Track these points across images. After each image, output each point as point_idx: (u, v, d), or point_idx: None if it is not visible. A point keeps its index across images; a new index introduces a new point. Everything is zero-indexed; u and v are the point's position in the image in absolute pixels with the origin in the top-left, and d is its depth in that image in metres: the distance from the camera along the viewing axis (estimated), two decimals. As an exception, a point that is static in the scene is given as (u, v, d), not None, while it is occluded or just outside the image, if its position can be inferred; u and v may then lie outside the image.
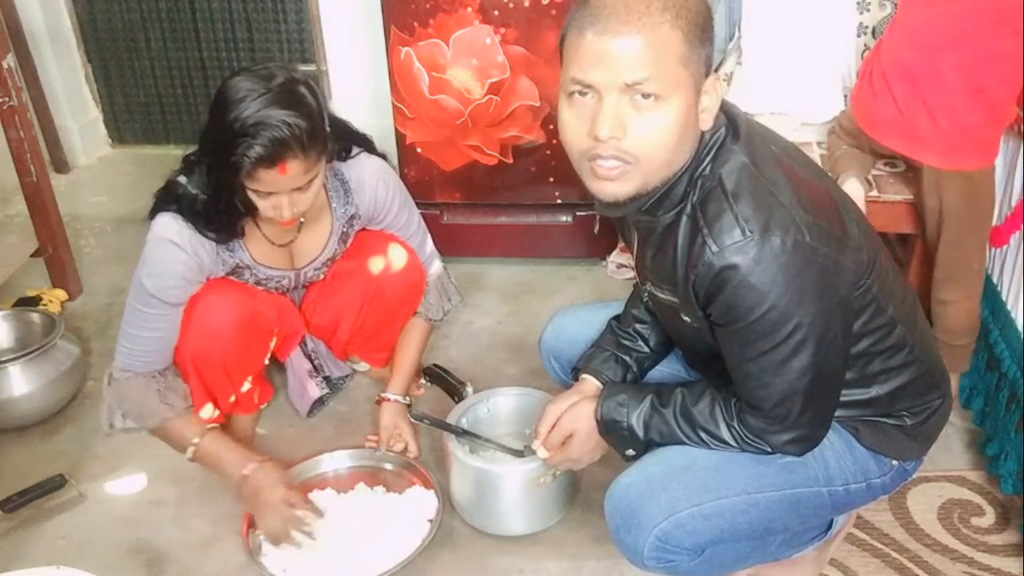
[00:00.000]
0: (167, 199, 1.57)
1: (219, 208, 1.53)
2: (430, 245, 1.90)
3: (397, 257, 1.83)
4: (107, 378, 1.67)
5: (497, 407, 1.77)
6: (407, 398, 1.88)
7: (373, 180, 1.74)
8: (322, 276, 1.84)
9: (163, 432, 1.66)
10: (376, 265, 1.81)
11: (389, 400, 1.85)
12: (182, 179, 1.57)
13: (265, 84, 1.42)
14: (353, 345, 1.99)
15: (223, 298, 1.66)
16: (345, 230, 1.77)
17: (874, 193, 1.89)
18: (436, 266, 1.92)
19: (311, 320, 1.90)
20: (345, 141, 1.68)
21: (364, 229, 1.82)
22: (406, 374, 1.89)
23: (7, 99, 2.18)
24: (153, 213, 1.57)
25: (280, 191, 1.46)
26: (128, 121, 3.47)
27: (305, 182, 1.48)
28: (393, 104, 2.36)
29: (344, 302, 1.85)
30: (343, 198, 1.73)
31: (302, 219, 1.66)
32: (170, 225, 1.55)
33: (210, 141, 1.46)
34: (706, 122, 1.14)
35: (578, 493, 1.69)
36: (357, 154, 1.71)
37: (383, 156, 1.79)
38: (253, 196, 1.47)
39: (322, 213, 1.73)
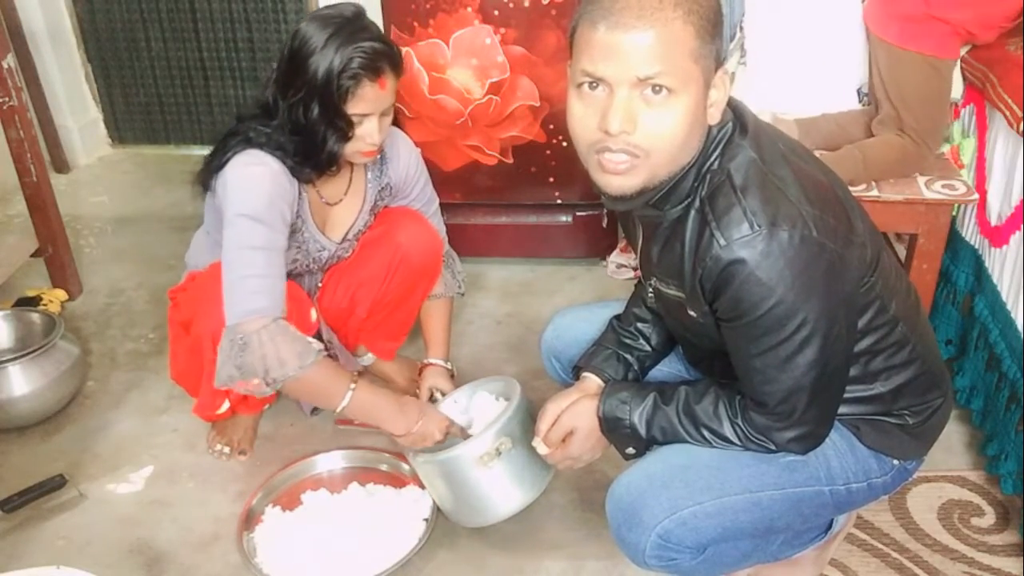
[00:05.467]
0: (240, 138, 1.57)
1: (314, 148, 1.56)
2: (443, 227, 1.97)
3: (420, 227, 1.87)
4: (229, 343, 1.49)
5: (467, 404, 1.76)
6: (448, 363, 1.93)
7: (407, 151, 1.82)
8: (349, 253, 1.86)
9: (315, 376, 1.53)
10: (400, 234, 1.84)
11: (432, 364, 1.90)
12: (252, 132, 1.58)
13: (341, 15, 1.54)
14: (368, 327, 1.98)
15: None
16: (376, 201, 1.81)
17: (874, 193, 1.89)
18: (445, 245, 1.97)
19: (328, 304, 1.90)
20: None
21: (387, 206, 1.87)
22: (442, 340, 1.94)
23: (7, 99, 2.18)
24: (221, 154, 1.57)
25: (375, 112, 1.56)
26: (128, 121, 3.47)
27: (391, 103, 1.59)
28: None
29: (368, 275, 1.87)
30: (378, 167, 1.79)
31: (351, 178, 1.74)
32: (249, 157, 1.55)
33: (305, 78, 1.51)
34: (714, 116, 1.14)
35: None
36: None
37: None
38: (353, 123, 1.55)
39: (358, 181, 1.77)
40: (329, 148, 1.57)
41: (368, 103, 1.54)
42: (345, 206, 1.78)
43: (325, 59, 1.49)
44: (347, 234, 1.80)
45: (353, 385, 1.57)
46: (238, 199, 1.53)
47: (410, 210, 1.89)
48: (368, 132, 1.57)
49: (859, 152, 1.93)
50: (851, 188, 1.86)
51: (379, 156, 1.77)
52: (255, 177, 1.54)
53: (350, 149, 1.59)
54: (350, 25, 1.52)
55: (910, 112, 1.90)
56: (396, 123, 1.78)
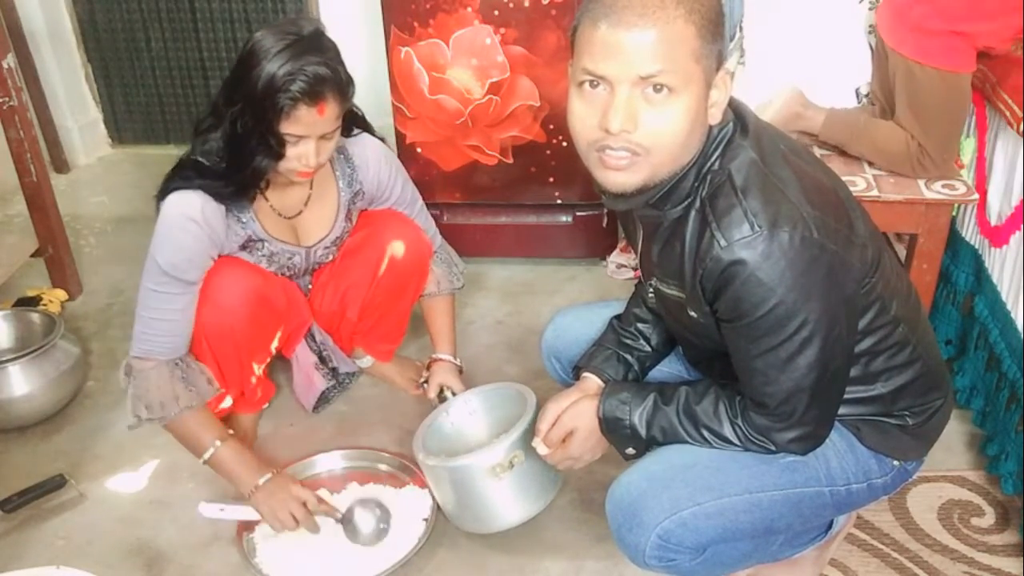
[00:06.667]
0: (179, 175, 1.57)
1: (241, 163, 1.53)
2: (432, 224, 1.96)
3: (406, 229, 1.86)
4: (124, 369, 1.62)
5: (478, 407, 1.77)
6: (457, 358, 1.93)
7: (376, 158, 1.79)
8: (331, 257, 1.85)
9: (181, 427, 1.61)
10: (386, 237, 1.84)
11: (441, 360, 1.91)
12: (191, 156, 1.58)
13: (297, 33, 1.49)
14: (361, 329, 1.98)
15: (235, 276, 1.66)
16: (350, 208, 1.80)
17: (874, 193, 1.89)
18: (437, 241, 1.97)
19: (320, 307, 1.91)
20: (349, 118, 1.69)
21: (367, 210, 1.86)
22: (448, 335, 1.95)
23: (7, 99, 2.18)
24: (164, 193, 1.57)
25: (312, 135, 1.51)
26: (128, 121, 3.47)
27: (333, 128, 1.54)
28: (393, 104, 2.36)
29: (355, 278, 1.87)
30: (348, 175, 1.77)
31: (310, 192, 1.73)
32: (182, 199, 1.55)
33: (246, 88, 1.47)
34: (715, 116, 1.14)
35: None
36: (359, 133, 1.76)
37: (382, 139, 1.83)
38: (285, 142, 1.51)
39: (328, 190, 1.76)
40: (256, 164, 1.53)
41: (304, 126, 1.49)
42: (311, 216, 1.76)
43: (267, 74, 1.44)
44: (323, 241, 1.80)
45: (218, 443, 1.60)
46: (159, 245, 1.55)
47: (394, 212, 1.87)
48: (302, 154, 1.52)
49: (863, 122, 1.93)
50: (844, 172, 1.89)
51: (348, 164, 1.76)
52: (180, 233, 1.55)
53: (283, 167, 1.55)
54: (302, 44, 1.47)
55: (920, 124, 1.87)
56: (365, 127, 1.77)
